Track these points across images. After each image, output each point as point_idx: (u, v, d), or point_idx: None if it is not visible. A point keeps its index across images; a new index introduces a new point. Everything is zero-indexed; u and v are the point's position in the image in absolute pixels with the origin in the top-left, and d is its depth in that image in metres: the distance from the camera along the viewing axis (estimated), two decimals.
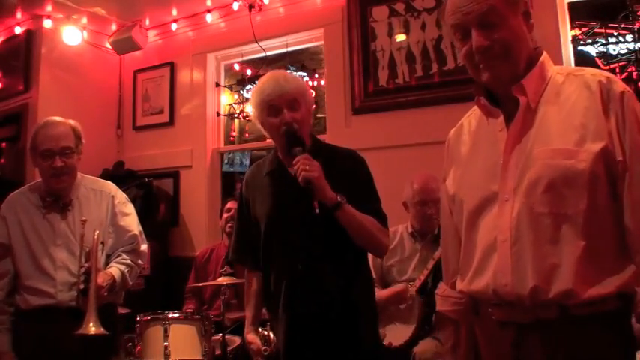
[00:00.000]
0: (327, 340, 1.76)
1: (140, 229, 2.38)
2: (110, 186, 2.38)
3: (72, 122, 2.26)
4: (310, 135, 1.92)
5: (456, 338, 1.37)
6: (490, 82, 1.23)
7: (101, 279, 2.10)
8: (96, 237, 2.15)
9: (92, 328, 1.98)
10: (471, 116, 1.40)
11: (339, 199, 1.72)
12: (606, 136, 1.12)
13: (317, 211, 1.69)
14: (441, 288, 1.44)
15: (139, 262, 2.33)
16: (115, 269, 2.20)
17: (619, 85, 1.18)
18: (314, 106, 1.94)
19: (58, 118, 2.26)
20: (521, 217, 1.16)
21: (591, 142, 1.13)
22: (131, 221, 2.35)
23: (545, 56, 1.27)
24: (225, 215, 3.53)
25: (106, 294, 2.12)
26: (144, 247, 2.38)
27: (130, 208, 2.38)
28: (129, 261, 2.28)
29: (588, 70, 1.23)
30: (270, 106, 1.82)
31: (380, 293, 2.53)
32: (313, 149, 1.85)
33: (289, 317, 1.83)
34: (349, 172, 1.86)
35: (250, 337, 1.97)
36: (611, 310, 1.12)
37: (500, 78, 1.22)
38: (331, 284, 1.78)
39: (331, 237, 1.77)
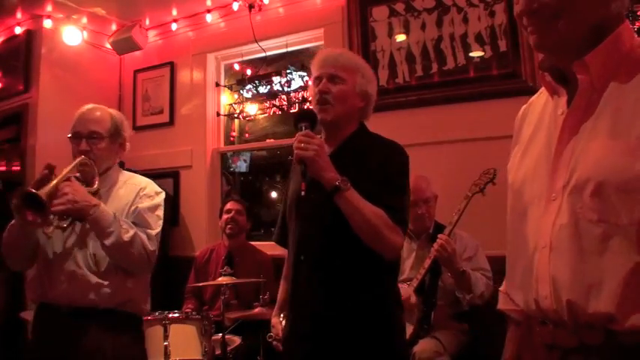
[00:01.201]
0: (328, 343, 1.67)
1: (159, 229, 2.12)
2: (143, 180, 2.23)
3: (113, 111, 2.21)
4: (358, 120, 1.84)
5: (517, 342, 1.21)
6: (535, 47, 1.06)
7: (69, 188, 1.90)
8: (77, 161, 2.03)
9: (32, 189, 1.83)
10: (542, 93, 1.20)
11: (338, 183, 1.60)
12: None
13: (303, 192, 1.63)
14: (505, 284, 1.26)
15: (147, 243, 2.03)
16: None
17: None
18: (370, 90, 1.82)
19: (100, 106, 2.20)
20: (565, 221, 0.98)
21: None
22: (152, 213, 2.12)
23: (624, 26, 1.02)
24: (225, 216, 3.52)
25: (75, 206, 1.89)
26: (153, 245, 2.07)
27: (155, 201, 2.15)
28: (133, 227, 2.02)
29: None
30: (314, 77, 1.82)
31: None
32: (355, 135, 1.80)
33: (291, 315, 1.81)
34: (380, 162, 1.73)
35: (273, 320, 1.97)
36: None
37: (546, 44, 1.03)
38: (336, 282, 1.68)
39: (344, 229, 1.63)
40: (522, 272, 1.08)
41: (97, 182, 2.07)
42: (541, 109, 1.17)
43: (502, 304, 1.25)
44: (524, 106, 1.25)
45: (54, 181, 1.89)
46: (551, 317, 1.01)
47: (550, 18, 0.99)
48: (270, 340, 1.95)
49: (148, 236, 2.05)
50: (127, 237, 1.96)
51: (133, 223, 2.05)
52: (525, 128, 1.20)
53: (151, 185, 2.20)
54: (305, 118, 1.73)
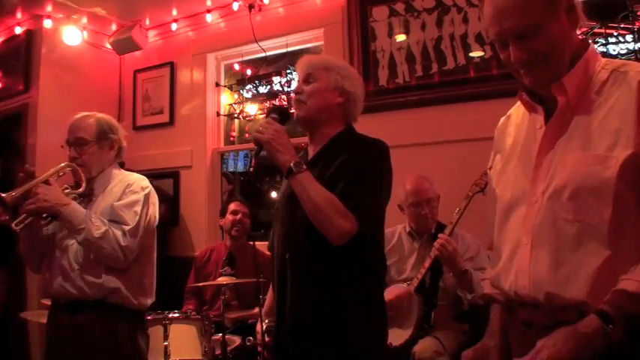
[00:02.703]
0: (309, 341, 1.66)
1: (134, 224, 2.11)
2: (134, 176, 2.26)
3: (101, 115, 2.28)
4: (342, 120, 1.84)
5: (502, 319, 1.34)
6: (532, 86, 1.22)
7: (42, 189, 2.02)
8: (63, 165, 2.15)
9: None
10: (520, 106, 1.35)
11: (292, 165, 1.63)
12: (638, 143, 1.05)
13: (252, 169, 1.69)
14: (490, 273, 1.40)
15: (120, 239, 2.06)
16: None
17: None
18: (347, 86, 1.82)
19: (90, 112, 2.28)
20: (544, 221, 1.14)
21: (622, 148, 1.07)
22: (127, 210, 2.13)
23: (591, 50, 1.20)
24: (231, 217, 3.51)
25: (45, 204, 2.00)
26: (126, 241, 2.08)
27: (134, 197, 2.16)
28: (106, 224, 2.07)
29: (634, 67, 1.15)
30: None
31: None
32: (339, 136, 1.80)
33: (277, 312, 1.80)
34: (352, 156, 1.71)
35: (258, 326, 1.98)
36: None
37: (540, 82, 1.19)
38: (318, 280, 1.66)
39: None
40: (505, 264, 1.24)
41: (84, 185, 2.16)
42: (519, 121, 1.33)
43: (488, 289, 1.39)
44: (503, 118, 1.41)
45: (28, 184, 2.03)
46: (528, 302, 1.17)
47: (541, 61, 1.15)
48: (249, 344, 1.95)
49: (123, 232, 2.09)
50: (97, 233, 2.03)
51: (111, 219, 2.10)
52: (506, 139, 1.35)
53: (139, 181, 2.23)
54: (275, 111, 1.81)
